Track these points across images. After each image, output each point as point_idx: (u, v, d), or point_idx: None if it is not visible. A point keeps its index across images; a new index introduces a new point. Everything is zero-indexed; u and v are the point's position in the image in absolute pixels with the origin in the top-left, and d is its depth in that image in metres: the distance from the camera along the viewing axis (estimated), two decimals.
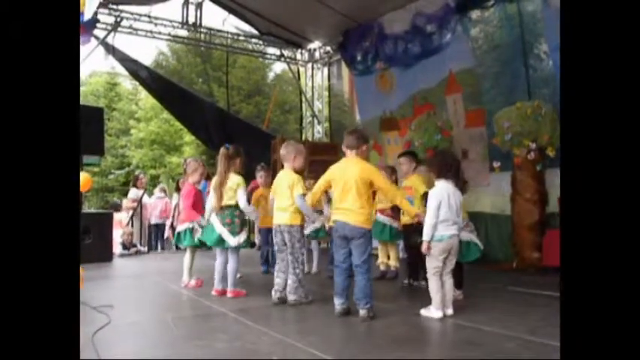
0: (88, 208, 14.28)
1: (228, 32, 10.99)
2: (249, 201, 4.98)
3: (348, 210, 3.81)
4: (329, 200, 5.34)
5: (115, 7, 9.27)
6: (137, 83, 14.35)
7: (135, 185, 9.88)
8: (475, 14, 7.82)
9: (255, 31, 11.06)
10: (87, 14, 4.15)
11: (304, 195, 4.26)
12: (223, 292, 4.66)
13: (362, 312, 3.72)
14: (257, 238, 7.49)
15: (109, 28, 9.33)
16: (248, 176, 7.66)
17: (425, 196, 4.10)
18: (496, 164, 7.09)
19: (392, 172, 5.68)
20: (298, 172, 4.43)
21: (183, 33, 10.74)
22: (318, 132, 12.08)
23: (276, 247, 4.43)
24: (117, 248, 8.31)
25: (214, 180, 4.71)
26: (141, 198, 9.46)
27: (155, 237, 10.00)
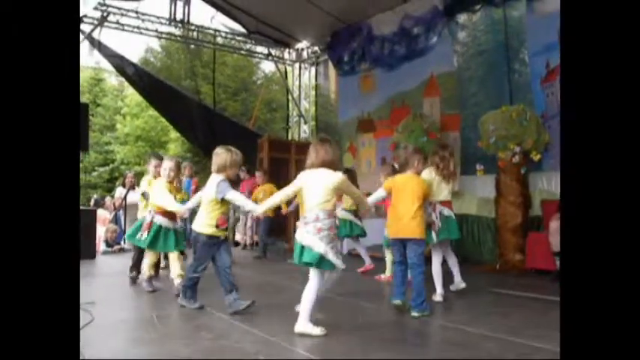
0: None
1: (216, 30, 10.95)
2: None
3: None
4: None
5: (101, 1, 9.18)
6: (123, 79, 14.20)
7: (123, 184, 9.78)
8: (462, 18, 7.89)
9: (243, 30, 11.03)
10: None
11: None
12: None
13: None
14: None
15: (95, 22, 9.23)
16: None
17: None
18: (479, 167, 7.17)
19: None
20: None
21: (171, 30, 10.68)
22: (304, 131, 12.09)
23: None
24: (100, 245, 8.24)
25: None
26: (125, 195, 9.37)
27: None
